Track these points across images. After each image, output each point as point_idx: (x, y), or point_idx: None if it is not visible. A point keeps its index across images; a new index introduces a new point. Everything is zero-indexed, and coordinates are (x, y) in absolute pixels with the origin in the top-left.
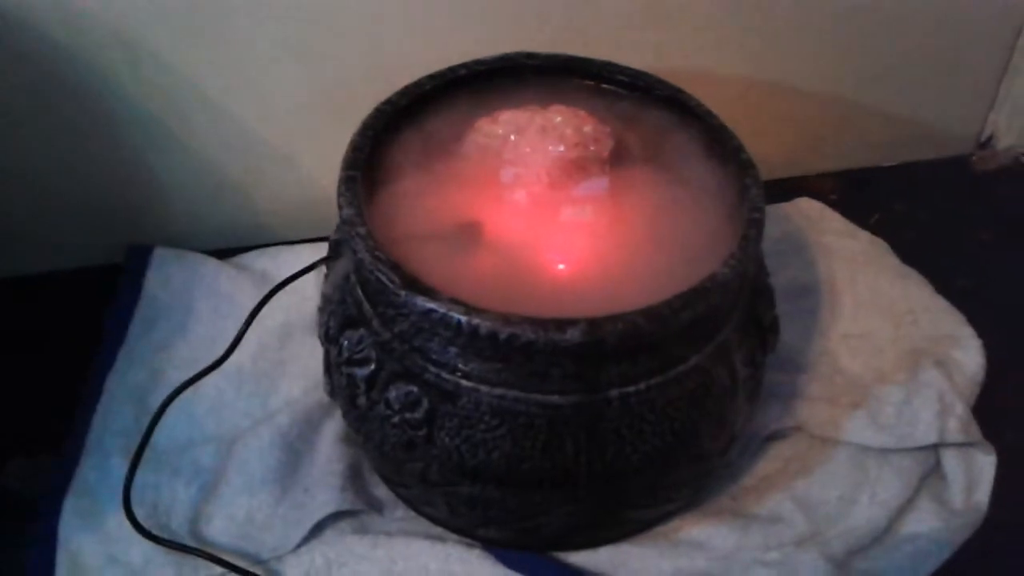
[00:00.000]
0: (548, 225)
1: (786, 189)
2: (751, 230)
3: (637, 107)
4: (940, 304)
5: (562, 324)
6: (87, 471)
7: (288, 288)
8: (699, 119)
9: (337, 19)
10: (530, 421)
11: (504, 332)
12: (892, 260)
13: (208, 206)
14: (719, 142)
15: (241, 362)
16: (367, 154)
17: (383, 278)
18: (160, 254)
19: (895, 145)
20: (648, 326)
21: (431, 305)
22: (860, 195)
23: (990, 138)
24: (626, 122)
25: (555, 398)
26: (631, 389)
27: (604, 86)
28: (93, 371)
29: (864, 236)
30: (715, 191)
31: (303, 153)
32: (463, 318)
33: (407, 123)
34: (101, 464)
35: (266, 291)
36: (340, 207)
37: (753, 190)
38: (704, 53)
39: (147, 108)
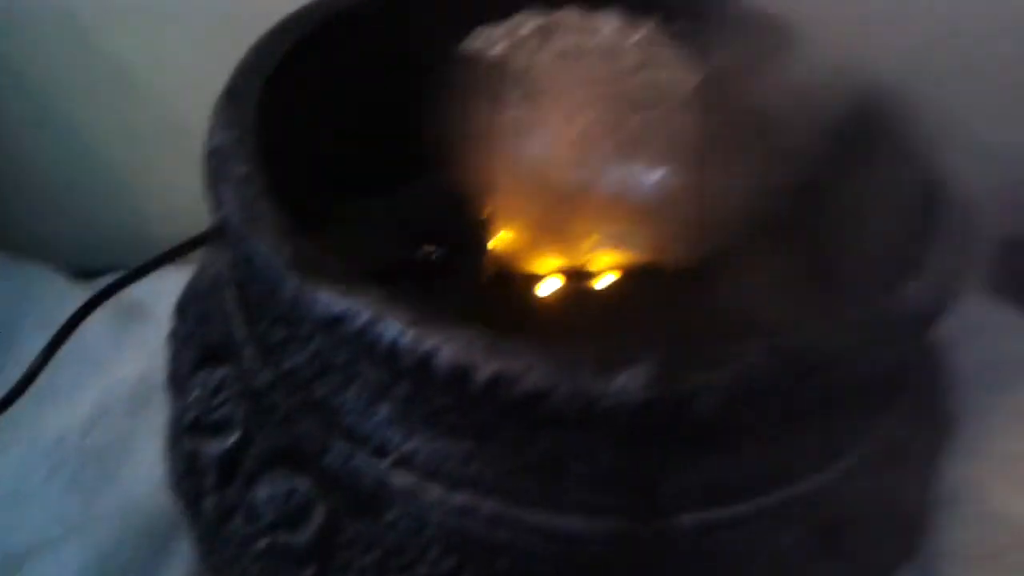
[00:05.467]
0: (581, 199)
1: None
2: (953, 236)
3: (741, 55)
4: None
5: (610, 360)
6: None
7: (159, 323)
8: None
9: None
10: (522, 566)
11: (486, 369)
12: None
13: (68, 209)
14: (874, 108)
15: (65, 432)
16: (279, 69)
17: (260, 254)
18: None
19: None
20: (780, 376)
21: (342, 306)
22: None
23: None
24: (721, 69)
25: (570, 520)
26: (721, 515)
27: (688, 24)
28: None
29: None
30: (873, 177)
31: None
32: (404, 335)
33: (352, 38)
34: None
35: (130, 321)
36: (211, 134)
37: (944, 180)
38: None
39: None
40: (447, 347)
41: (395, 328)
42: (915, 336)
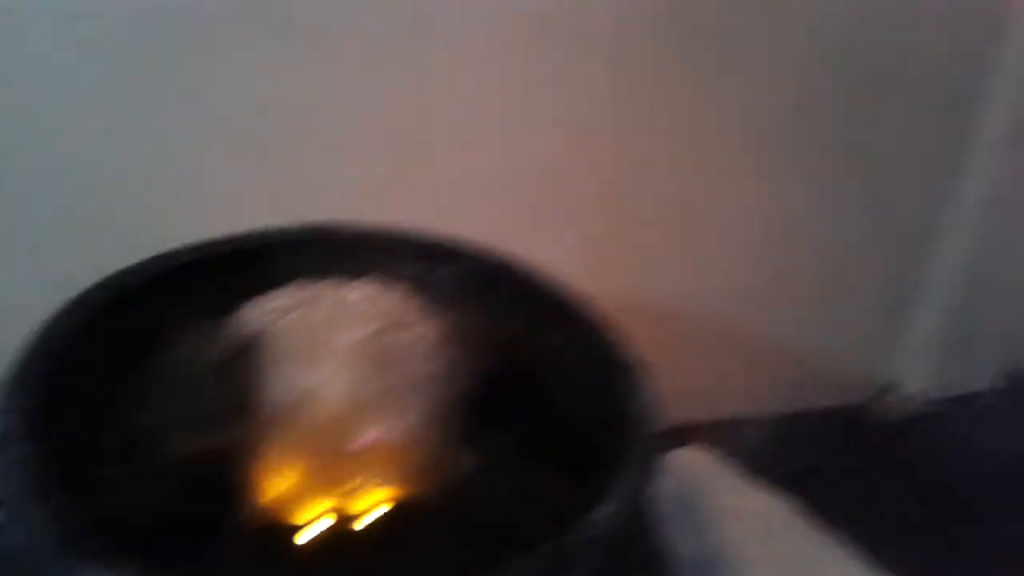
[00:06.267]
0: (342, 451)
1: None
2: (640, 452)
3: (476, 295)
4: None
5: None
6: None
7: None
8: (558, 310)
9: None
10: None
11: None
12: (807, 523)
13: None
14: (587, 333)
15: None
16: (63, 350)
17: (34, 534)
18: None
19: (785, 391)
20: None
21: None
22: (747, 450)
23: (891, 385)
24: (458, 313)
25: None
26: None
27: (431, 270)
28: None
29: (769, 495)
30: (588, 405)
31: None
32: None
33: (136, 312)
34: None
35: None
36: None
37: (638, 396)
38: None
39: None
40: None
41: None
42: (602, 551)
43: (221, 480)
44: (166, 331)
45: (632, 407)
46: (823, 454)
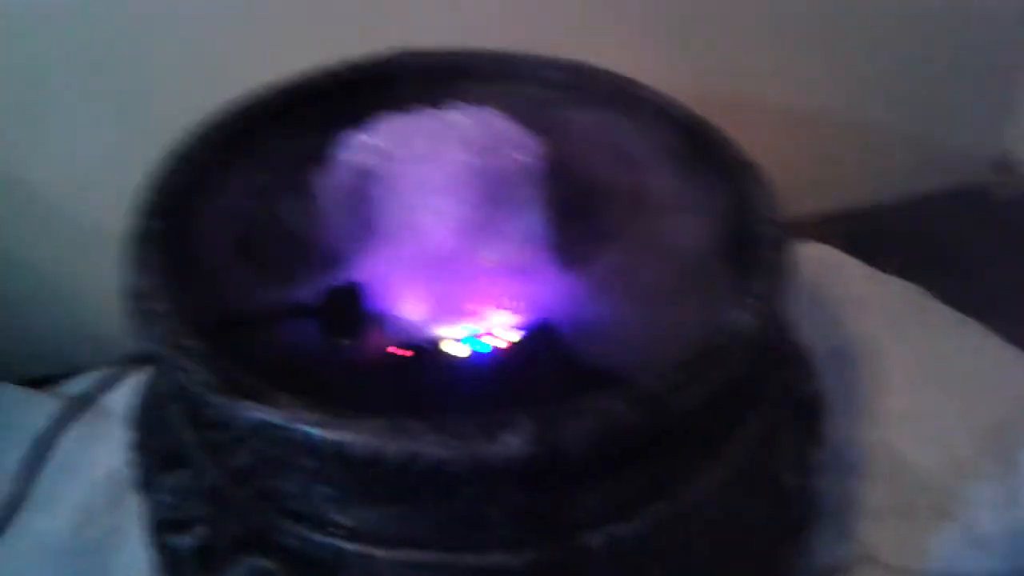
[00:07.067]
0: (460, 276)
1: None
2: (769, 252)
3: (576, 112)
4: (1012, 355)
5: (492, 426)
6: None
7: (115, 418)
8: (664, 117)
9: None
10: None
11: (394, 449)
12: (939, 307)
13: (17, 320)
14: (696, 141)
15: (58, 532)
16: (178, 199)
17: (193, 379)
18: None
19: (900, 176)
20: (636, 417)
21: (264, 415)
22: (869, 239)
23: (1009, 161)
24: (561, 132)
25: (499, 557)
26: (621, 529)
27: (528, 91)
28: None
29: (898, 283)
30: (701, 210)
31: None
32: (319, 432)
33: (241, 154)
34: None
35: (90, 428)
36: (128, 274)
37: (759, 196)
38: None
39: None
40: (356, 437)
41: (307, 427)
42: (748, 356)
43: (347, 311)
44: (279, 165)
45: (754, 209)
46: (944, 237)
